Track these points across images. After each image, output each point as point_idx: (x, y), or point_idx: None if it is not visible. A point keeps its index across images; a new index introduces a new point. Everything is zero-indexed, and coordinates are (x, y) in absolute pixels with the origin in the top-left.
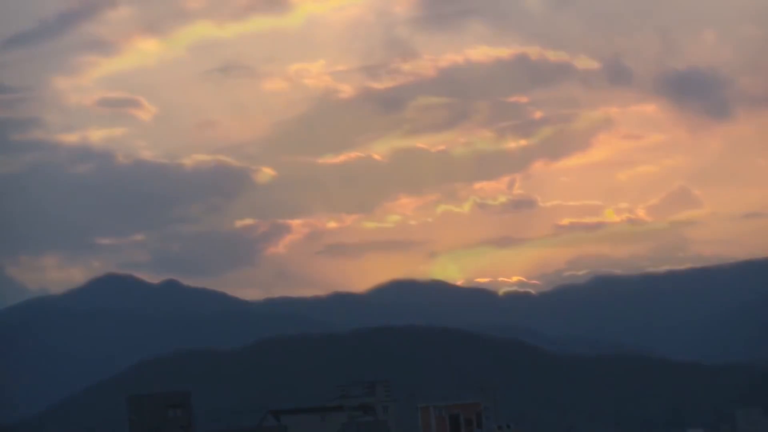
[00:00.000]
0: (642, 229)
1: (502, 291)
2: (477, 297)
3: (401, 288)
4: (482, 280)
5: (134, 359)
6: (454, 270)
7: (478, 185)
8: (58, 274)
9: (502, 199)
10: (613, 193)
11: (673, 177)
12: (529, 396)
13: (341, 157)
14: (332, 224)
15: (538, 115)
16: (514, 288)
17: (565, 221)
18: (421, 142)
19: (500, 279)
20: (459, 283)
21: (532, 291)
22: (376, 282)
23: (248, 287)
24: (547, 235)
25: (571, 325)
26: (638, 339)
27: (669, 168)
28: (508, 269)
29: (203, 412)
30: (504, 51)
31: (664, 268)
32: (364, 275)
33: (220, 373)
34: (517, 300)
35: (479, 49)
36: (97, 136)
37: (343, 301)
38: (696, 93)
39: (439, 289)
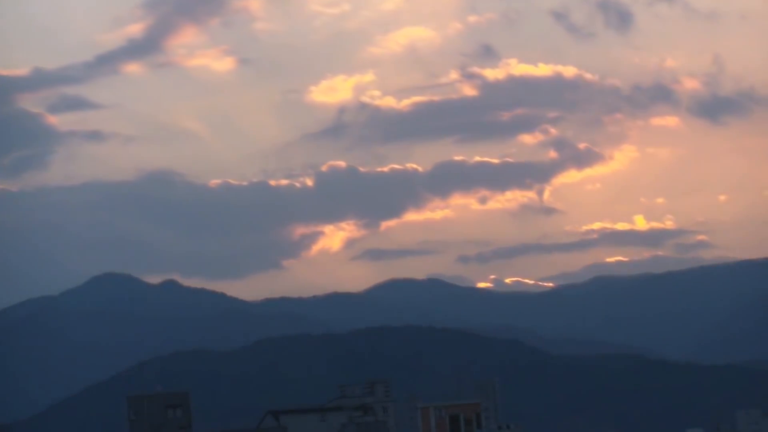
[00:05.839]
0: (643, 231)
1: (501, 291)
2: (476, 297)
3: (399, 287)
4: (510, 281)
5: (134, 359)
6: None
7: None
8: (58, 273)
9: (531, 205)
10: (619, 198)
11: (678, 182)
12: (528, 396)
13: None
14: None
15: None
16: (514, 288)
17: (589, 227)
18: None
19: (505, 280)
20: (465, 284)
21: (532, 291)
22: (374, 281)
23: (250, 288)
24: (563, 240)
25: (570, 325)
26: (638, 339)
27: (674, 173)
28: (529, 272)
29: (203, 412)
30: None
31: (663, 268)
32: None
33: (220, 373)
34: (517, 300)
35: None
36: (154, 151)
37: (341, 300)
38: (727, 109)
39: (437, 289)
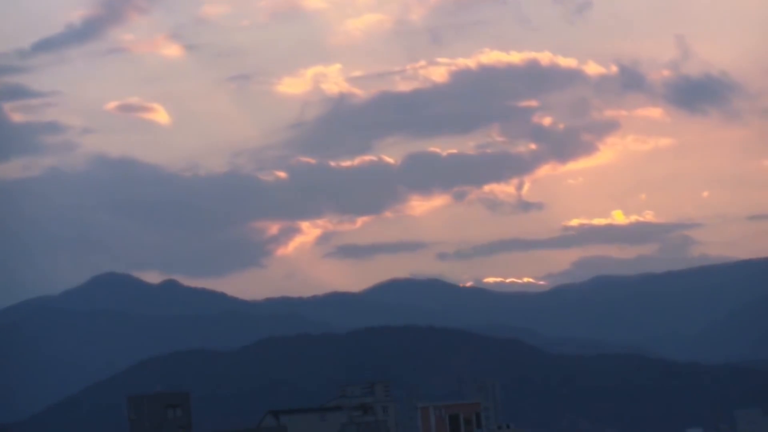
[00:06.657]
0: (645, 232)
1: (501, 291)
2: (476, 297)
3: (399, 288)
4: (490, 281)
5: (133, 359)
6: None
7: (487, 187)
8: (58, 274)
9: (511, 201)
10: (618, 196)
11: (676, 180)
12: (528, 396)
13: (355, 161)
14: (343, 226)
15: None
16: (514, 288)
17: (572, 223)
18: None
19: (502, 280)
20: (464, 284)
21: (532, 291)
22: (374, 281)
23: (250, 288)
24: (553, 237)
25: (570, 325)
26: (637, 339)
27: (673, 171)
28: (515, 270)
29: (203, 412)
30: (515, 56)
31: (663, 268)
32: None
33: (220, 373)
34: (517, 300)
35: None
36: (115, 141)
37: (341, 300)
38: (704, 97)
39: (437, 289)
